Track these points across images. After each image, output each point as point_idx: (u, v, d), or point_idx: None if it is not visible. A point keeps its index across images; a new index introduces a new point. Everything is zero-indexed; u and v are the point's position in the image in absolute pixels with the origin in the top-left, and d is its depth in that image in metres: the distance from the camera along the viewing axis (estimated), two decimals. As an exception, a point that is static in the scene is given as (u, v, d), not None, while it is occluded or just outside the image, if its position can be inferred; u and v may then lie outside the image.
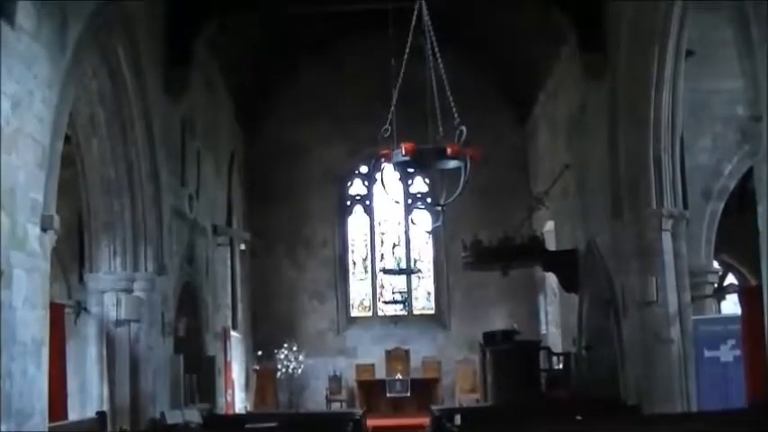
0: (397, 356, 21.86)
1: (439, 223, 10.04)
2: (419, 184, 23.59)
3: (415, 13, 8.49)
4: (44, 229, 8.69)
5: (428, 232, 22.92)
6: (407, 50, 8.71)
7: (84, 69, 10.51)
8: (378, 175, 22.38)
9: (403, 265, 23.53)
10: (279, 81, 22.55)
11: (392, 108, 8.39)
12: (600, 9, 14.17)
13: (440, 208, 8.62)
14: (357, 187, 23.86)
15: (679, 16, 12.18)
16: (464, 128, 7.43)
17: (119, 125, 12.26)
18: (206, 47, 16.17)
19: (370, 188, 23.73)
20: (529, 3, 16.76)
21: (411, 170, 10.85)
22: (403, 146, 7.52)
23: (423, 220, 22.87)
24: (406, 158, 7.54)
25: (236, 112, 20.74)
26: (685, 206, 13.14)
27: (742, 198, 13.98)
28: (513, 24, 19.11)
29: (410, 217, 23.24)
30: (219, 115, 19.02)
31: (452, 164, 7.61)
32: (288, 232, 22.78)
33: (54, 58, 9.02)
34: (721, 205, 14.48)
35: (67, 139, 9.90)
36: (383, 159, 7.86)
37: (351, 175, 23.70)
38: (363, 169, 23.45)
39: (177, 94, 14.38)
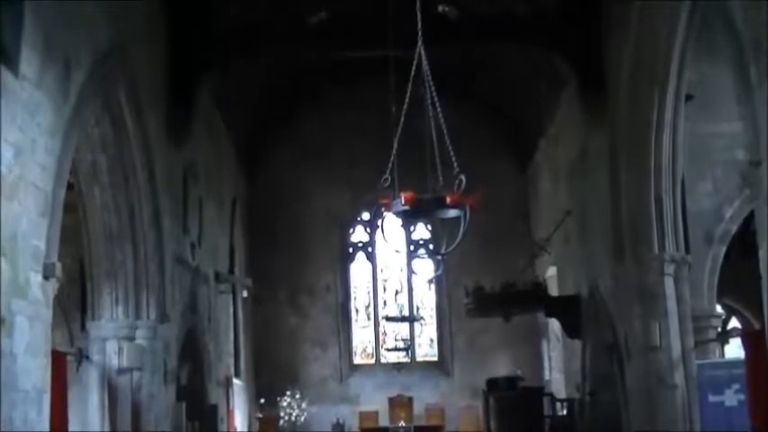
0: (400, 403, 21.76)
1: (439, 272, 10.06)
2: (421, 231, 23.61)
3: (415, 62, 8.53)
4: (46, 277, 8.69)
5: (429, 281, 22.96)
6: (407, 100, 8.75)
7: (86, 117, 10.55)
8: (379, 223, 22.49)
9: (405, 313, 23.49)
10: (281, 127, 22.66)
11: (392, 158, 8.41)
12: (599, 54, 14.25)
13: (440, 257, 8.62)
14: (359, 234, 23.89)
15: (678, 60, 12.23)
16: (463, 177, 7.44)
17: (121, 172, 12.28)
18: (208, 94, 16.28)
19: (372, 235, 23.76)
20: (529, 49, 16.88)
21: (411, 219, 10.85)
22: (402, 195, 7.52)
23: (424, 268, 22.92)
24: (406, 208, 7.55)
25: (238, 159, 20.81)
26: (687, 250, 13.12)
27: (744, 242, 13.95)
28: (513, 71, 19.25)
29: (411, 267, 23.26)
30: (222, 162, 19.07)
31: (452, 213, 7.61)
32: (290, 279, 22.78)
33: (57, 106, 9.08)
34: (723, 249, 14.46)
35: (70, 186, 9.90)
36: (383, 208, 7.87)
37: (353, 221, 23.74)
38: (365, 216, 23.52)
39: (179, 141, 14.43)
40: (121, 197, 12.41)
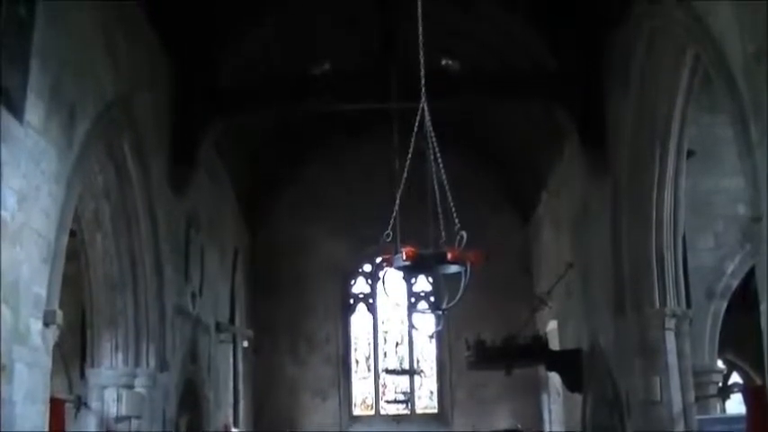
0: (399, 456, 21.65)
1: (440, 328, 10.03)
2: (422, 283, 23.59)
3: (418, 117, 8.58)
4: (46, 324, 8.70)
5: (430, 336, 22.94)
6: (409, 155, 8.79)
7: (90, 165, 10.62)
8: (380, 275, 22.52)
9: (405, 365, 23.41)
10: (283, 178, 22.75)
11: (394, 213, 8.44)
12: (601, 109, 14.33)
13: (441, 312, 8.63)
14: (360, 285, 23.89)
15: (680, 116, 12.30)
16: (464, 233, 7.45)
17: (124, 220, 12.32)
18: (211, 144, 16.33)
19: (373, 287, 23.75)
20: (531, 103, 16.98)
21: (412, 273, 10.87)
22: (403, 251, 7.55)
23: (424, 322, 22.92)
24: (407, 263, 7.57)
25: (240, 208, 20.85)
26: (688, 305, 13.11)
27: (745, 297, 13.95)
28: (515, 124, 19.35)
29: (411, 321, 23.24)
30: (224, 211, 19.11)
31: (453, 269, 7.62)
32: (291, 329, 22.74)
33: (61, 154, 9.13)
34: (724, 304, 14.46)
35: (72, 233, 9.94)
36: (385, 263, 7.89)
37: (354, 273, 23.75)
38: (367, 267, 23.55)
39: (182, 190, 14.47)
40: (123, 245, 12.44)
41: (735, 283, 14.49)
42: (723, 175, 13.98)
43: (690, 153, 13.03)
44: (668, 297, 12.89)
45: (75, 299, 12.73)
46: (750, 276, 13.08)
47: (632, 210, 13.16)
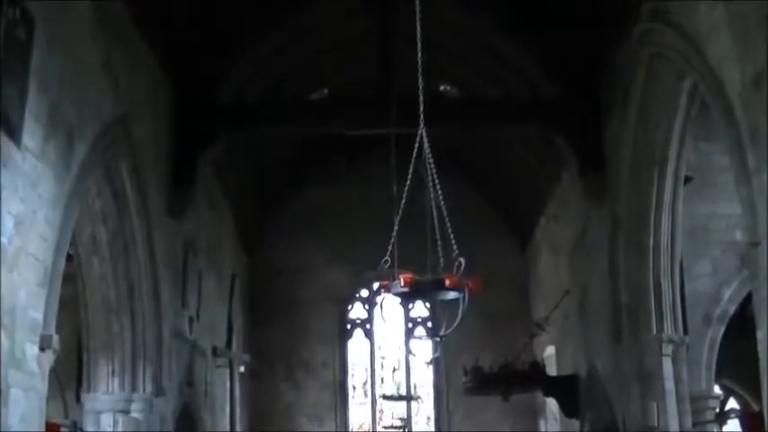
0: (396, 482, 21.55)
1: (438, 354, 9.99)
2: (420, 309, 23.55)
3: (417, 144, 8.59)
4: (42, 349, 8.67)
5: (428, 363, 22.89)
6: (408, 181, 8.80)
7: (87, 188, 10.62)
8: (378, 301, 22.51)
9: (402, 391, 23.32)
10: (281, 202, 22.76)
11: (393, 239, 8.44)
12: (599, 136, 14.36)
13: (439, 339, 8.62)
14: (357, 311, 23.84)
15: (677, 143, 12.33)
16: (462, 260, 7.46)
17: (121, 245, 12.31)
18: (210, 168, 16.36)
19: (370, 312, 23.70)
20: (529, 129, 17.02)
21: (410, 299, 10.88)
22: (401, 277, 7.55)
23: (422, 348, 22.88)
24: (405, 290, 7.57)
25: (238, 233, 20.84)
26: (685, 331, 13.10)
27: (743, 322, 13.93)
28: (513, 149, 19.38)
29: (409, 347, 23.19)
30: (222, 236, 19.10)
31: (451, 295, 7.63)
32: (288, 354, 22.68)
33: (59, 178, 9.13)
34: (722, 330, 14.44)
35: (69, 257, 9.92)
36: (383, 290, 7.89)
37: (351, 298, 23.71)
38: (364, 293, 23.52)
39: (180, 215, 14.46)
40: (121, 269, 12.42)
41: (732, 309, 14.47)
42: (720, 201, 13.99)
43: (687, 179, 13.05)
44: (665, 323, 12.89)
45: (71, 322, 12.71)
46: (747, 302, 13.08)
47: (630, 236, 13.17)
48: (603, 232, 14.17)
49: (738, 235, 13.46)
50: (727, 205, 13.62)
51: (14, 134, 7.95)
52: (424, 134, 8.51)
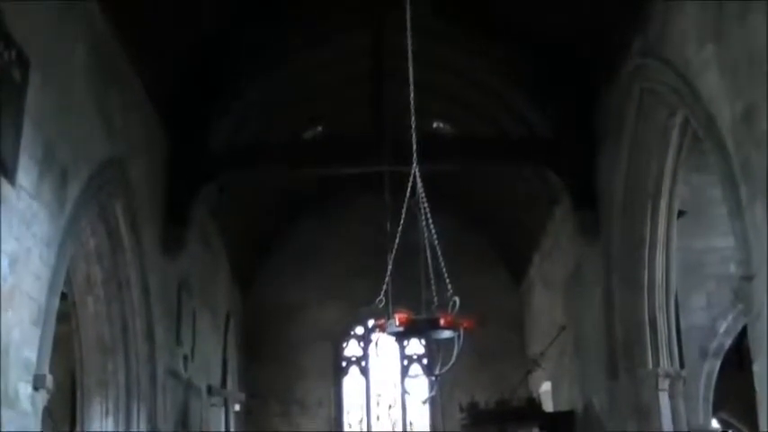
0: None
1: (434, 393, 9.95)
2: (415, 346, 23.49)
3: (410, 183, 8.61)
4: (36, 388, 8.64)
5: (424, 402, 22.82)
6: (402, 220, 8.82)
7: (82, 227, 10.62)
8: (373, 337, 22.48)
9: (398, 428, 23.24)
10: (275, 240, 22.80)
11: (387, 279, 8.44)
12: (592, 172, 14.40)
13: (434, 378, 8.60)
14: (353, 348, 23.77)
15: (670, 178, 12.38)
16: (457, 299, 7.46)
17: (115, 284, 12.29)
18: (204, 207, 16.36)
19: (365, 349, 23.64)
20: (523, 166, 17.07)
21: (405, 337, 10.85)
22: (396, 316, 7.55)
23: (418, 387, 22.82)
24: (400, 329, 7.57)
25: (232, 271, 20.82)
26: (682, 365, 13.09)
27: (739, 356, 13.94)
28: (507, 186, 19.41)
29: (404, 386, 23.12)
30: (216, 274, 19.08)
31: (446, 334, 7.62)
32: (283, 392, 22.59)
33: (53, 216, 9.14)
34: (718, 363, 14.45)
35: (63, 295, 9.91)
36: (377, 329, 7.89)
37: (346, 335, 23.65)
38: (359, 330, 23.46)
39: (174, 254, 14.45)
40: (115, 308, 12.38)
41: (728, 342, 14.49)
42: (714, 234, 14.05)
43: (681, 213, 13.09)
44: (661, 357, 12.88)
45: (65, 361, 12.66)
46: (743, 335, 13.10)
47: (624, 271, 13.18)
48: (597, 268, 14.18)
49: (733, 268, 13.48)
50: (721, 238, 13.69)
51: (9, 173, 7.98)
52: (417, 173, 8.53)
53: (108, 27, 10.98)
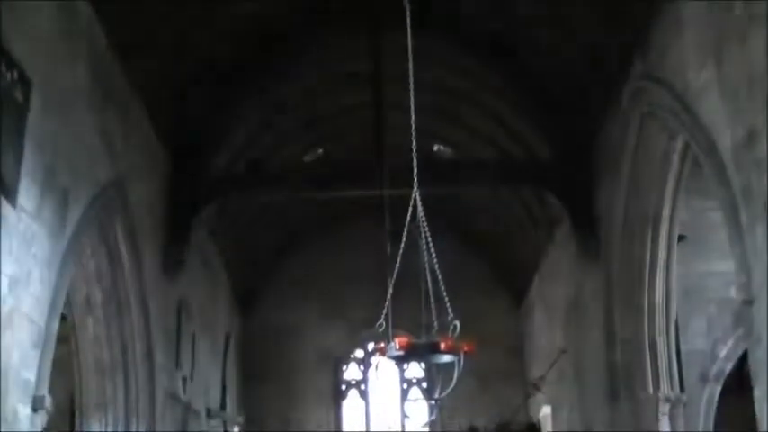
0: None
1: (434, 417, 9.92)
2: (415, 369, 23.44)
3: (410, 206, 8.61)
4: (35, 410, 8.61)
5: (423, 426, 22.76)
6: (402, 244, 8.81)
7: (82, 249, 10.62)
8: (373, 361, 22.45)
9: (398, 452, 23.19)
10: (275, 262, 22.79)
11: (387, 302, 8.44)
12: (592, 196, 14.42)
13: (434, 402, 8.59)
14: (352, 371, 23.71)
15: (671, 202, 12.38)
16: (457, 322, 7.46)
17: (115, 305, 12.28)
18: (204, 229, 16.39)
19: (365, 373, 23.59)
20: (523, 189, 17.11)
21: (405, 361, 10.87)
22: (396, 340, 7.55)
23: (417, 410, 22.76)
24: (400, 353, 7.56)
25: (232, 294, 20.81)
26: (682, 389, 13.05)
27: (740, 380, 13.90)
28: (507, 208, 19.43)
29: (404, 410, 23.07)
30: (216, 296, 19.07)
31: (446, 358, 7.61)
32: (282, 414, 22.50)
33: (53, 238, 9.14)
34: (719, 388, 14.41)
35: (62, 317, 9.90)
36: (377, 352, 7.87)
37: (346, 358, 23.60)
38: (359, 353, 23.42)
39: (174, 276, 14.45)
40: (114, 330, 12.37)
41: (729, 367, 14.46)
42: (715, 258, 14.02)
43: (681, 237, 13.09)
44: (662, 382, 12.84)
45: (64, 382, 12.62)
46: (744, 359, 13.06)
47: (624, 295, 13.16)
48: (598, 291, 14.16)
49: (733, 292, 13.43)
50: (722, 263, 13.63)
51: (10, 194, 7.98)
52: (418, 197, 8.53)
53: (109, 49, 11.01)
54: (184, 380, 15.46)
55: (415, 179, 8.65)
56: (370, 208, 17.19)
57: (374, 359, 22.68)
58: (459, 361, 7.53)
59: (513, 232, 20.22)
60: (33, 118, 8.47)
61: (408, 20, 9.22)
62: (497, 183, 16.28)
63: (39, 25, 8.78)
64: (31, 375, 8.56)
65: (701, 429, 14.25)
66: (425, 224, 8.55)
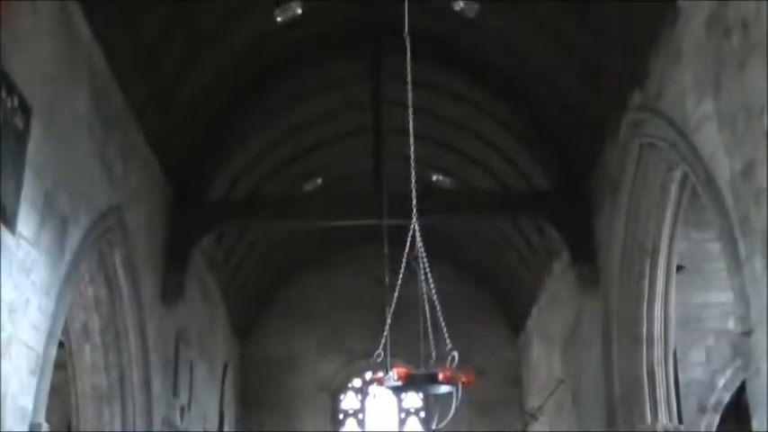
0: None
1: (432, 449, 9.85)
2: (413, 399, 23.36)
3: (409, 237, 8.62)
4: (32, 436, 8.60)
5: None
6: (401, 274, 8.81)
7: (81, 276, 10.61)
8: (371, 390, 22.39)
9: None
10: (273, 292, 22.77)
11: (385, 332, 8.44)
12: (591, 227, 14.42)
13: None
14: (350, 401, 23.64)
15: (669, 232, 12.39)
16: (456, 353, 7.46)
17: (113, 333, 12.25)
18: (203, 258, 16.40)
19: (363, 402, 23.52)
20: (522, 219, 17.12)
21: (403, 391, 10.82)
22: (395, 371, 7.54)
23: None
24: (398, 384, 7.56)
25: (231, 323, 20.77)
26: (680, 420, 13.00)
27: (738, 411, 13.88)
28: (506, 239, 19.43)
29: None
30: (215, 325, 19.03)
31: (444, 389, 7.61)
32: (280, 445, 22.46)
33: (52, 265, 9.13)
34: (717, 418, 14.38)
35: (60, 344, 9.88)
36: (375, 382, 7.87)
37: (344, 388, 23.53)
38: (357, 383, 23.36)
39: (173, 304, 14.43)
40: (112, 357, 12.34)
41: (727, 398, 14.43)
42: (713, 289, 14.03)
43: (679, 268, 13.09)
44: (660, 412, 12.80)
45: (61, 409, 12.61)
46: (742, 390, 13.04)
47: (623, 325, 13.14)
48: (596, 322, 14.15)
49: (732, 323, 13.46)
50: (720, 293, 13.67)
51: (9, 221, 7.98)
52: (417, 228, 8.54)
53: (110, 75, 11.04)
54: (182, 409, 15.41)
55: (414, 210, 8.66)
56: (369, 237, 17.21)
57: (372, 389, 22.61)
58: (457, 391, 7.52)
59: (512, 263, 20.21)
60: (33, 144, 8.49)
61: (408, 52, 9.25)
62: (496, 213, 16.31)
63: (39, 52, 8.80)
64: (28, 402, 8.53)
65: (699, 460, 14.21)
66: (424, 255, 8.55)
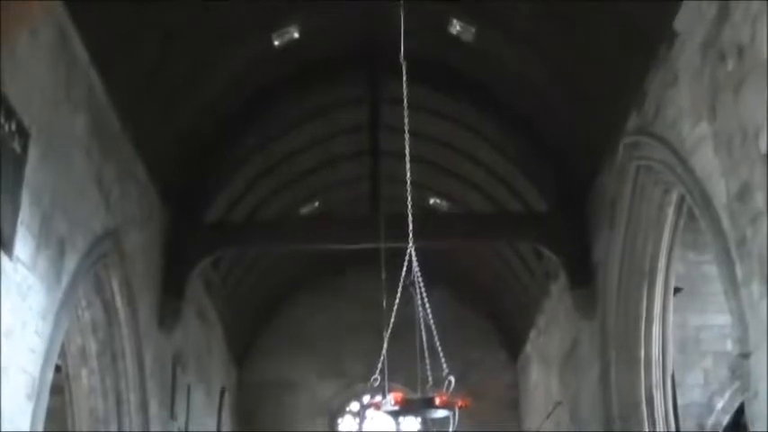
0: None
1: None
2: (410, 422, 23.29)
3: (406, 262, 8.62)
4: (28, 461, 8.57)
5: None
6: (398, 298, 8.81)
7: (78, 300, 10.60)
8: (368, 414, 22.35)
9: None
10: (270, 315, 22.75)
11: (382, 358, 8.43)
12: (588, 250, 14.43)
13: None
14: (348, 424, 23.58)
15: (666, 255, 12.40)
16: (452, 378, 7.47)
17: (110, 356, 12.22)
18: (200, 282, 16.38)
19: (360, 425, 23.45)
20: (519, 242, 17.12)
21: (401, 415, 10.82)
22: (392, 395, 7.55)
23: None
24: (396, 408, 7.56)
25: (227, 345, 20.73)
26: (678, 442, 13.01)
27: None
28: (503, 262, 19.43)
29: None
30: (212, 349, 18.99)
31: (441, 413, 7.62)
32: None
33: (49, 288, 9.12)
34: (715, 440, 14.36)
35: (57, 368, 9.86)
36: (372, 407, 7.88)
37: (342, 411, 23.47)
38: (354, 406, 23.29)
39: (170, 328, 14.41)
40: (109, 381, 12.31)
41: (725, 420, 14.40)
42: (711, 311, 14.03)
43: (677, 290, 13.09)
44: (658, 435, 12.79)
45: (58, 432, 12.55)
46: (740, 412, 13.03)
47: (620, 348, 13.14)
48: (594, 344, 14.14)
49: (730, 345, 13.45)
50: (718, 315, 13.68)
51: (6, 245, 7.98)
52: (413, 253, 8.54)
53: (108, 99, 11.06)
54: (179, 432, 15.37)
55: (410, 234, 8.66)
56: (366, 260, 17.19)
57: (369, 412, 22.58)
58: (453, 416, 7.53)
59: (510, 285, 20.21)
60: (31, 168, 8.50)
61: (404, 76, 9.29)
62: (494, 237, 16.32)
63: (37, 76, 8.82)
64: (24, 426, 8.51)
65: (698, 483, 14.17)
66: (420, 279, 8.56)
